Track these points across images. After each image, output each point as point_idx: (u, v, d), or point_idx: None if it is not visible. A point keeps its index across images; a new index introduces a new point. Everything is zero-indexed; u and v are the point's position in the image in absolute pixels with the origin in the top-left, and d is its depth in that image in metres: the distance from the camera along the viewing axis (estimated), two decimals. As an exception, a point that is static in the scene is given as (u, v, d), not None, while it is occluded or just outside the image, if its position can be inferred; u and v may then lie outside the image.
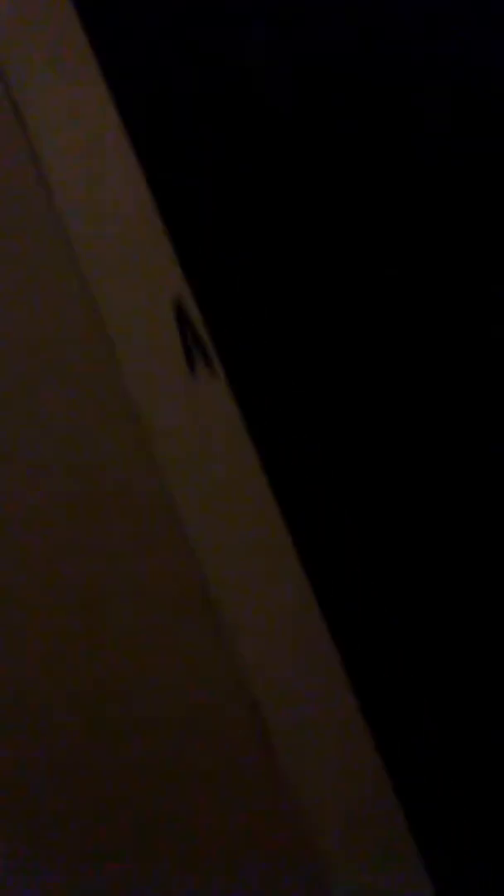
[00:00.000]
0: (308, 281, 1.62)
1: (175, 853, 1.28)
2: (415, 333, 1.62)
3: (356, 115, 1.61)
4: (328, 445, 1.62)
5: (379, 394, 1.62)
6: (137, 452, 1.30)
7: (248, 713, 1.29)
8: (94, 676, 1.29)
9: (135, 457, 1.30)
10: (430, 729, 1.52)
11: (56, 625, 1.28)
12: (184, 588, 1.29)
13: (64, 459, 1.30)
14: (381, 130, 1.61)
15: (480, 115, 1.60)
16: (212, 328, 1.54)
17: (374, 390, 1.62)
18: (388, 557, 1.60)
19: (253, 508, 1.44)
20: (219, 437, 1.44)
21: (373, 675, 1.52)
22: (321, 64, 1.62)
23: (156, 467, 1.31)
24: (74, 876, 1.26)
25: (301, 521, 1.55)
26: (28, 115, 1.34)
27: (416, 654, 1.56)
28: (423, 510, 1.62)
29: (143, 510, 1.31)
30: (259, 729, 1.29)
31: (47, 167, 1.35)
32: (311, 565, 1.52)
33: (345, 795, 1.35)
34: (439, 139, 1.61)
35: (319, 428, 1.62)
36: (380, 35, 1.60)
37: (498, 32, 1.60)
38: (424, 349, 1.62)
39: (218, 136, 1.63)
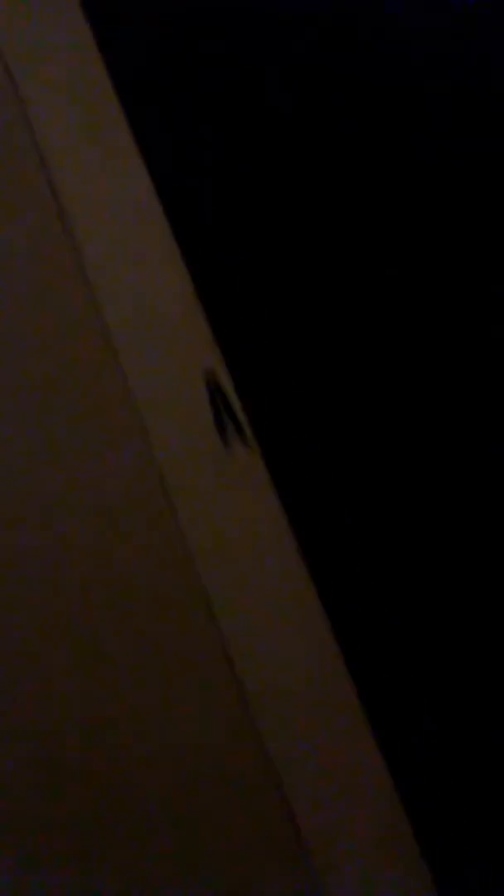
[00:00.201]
0: (307, 279, 1.62)
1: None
2: (415, 334, 1.62)
3: (356, 115, 1.61)
4: (326, 445, 1.62)
5: (379, 394, 1.62)
6: (168, 527, 1.31)
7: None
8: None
9: (166, 532, 1.31)
10: (430, 729, 1.52)
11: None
12: (207, 653, 1.30)
13: (95, 535, 1.30)
14: (381, 130, 1.61)
15: (480, 115, 1.60)
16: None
17: (374, 390, 1.62)
18: (389, 558, 1.60)
19: (284, 579, 1.43)
20: (252, 513, 1.42)
21: (373, 675, 1.52)
22: (321, 64, 1.62)
23: (187, 546, 1.31)
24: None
25: (304, 526, 1.55)
26: (55, 168, 1.36)
27: (416, 654, 1.56)
28: (424, 511, 1.61)
29: (174, 588, 1.31)
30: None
31: (73, 221, 1.36)
32: (311, 567, 1.51)
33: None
34: (439, 139, 1.60)
35: (316, 425, 1.62)
36: (380, 35, 1.60)
37: (498, 32, 1.60)
38: (425, 349, 1.62)
39: (218, 136, 1.62)
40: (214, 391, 1.40)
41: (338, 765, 1.38)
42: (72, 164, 1.43)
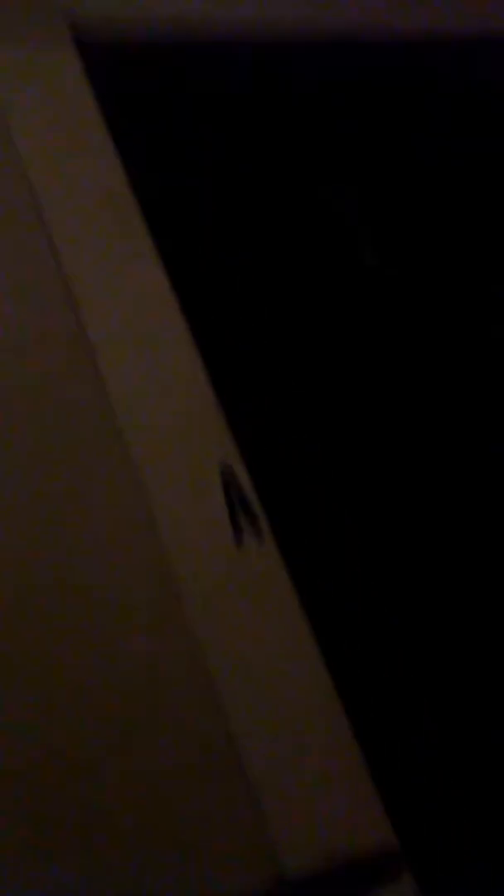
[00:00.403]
0: (304, 278, 1.62)
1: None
2: (415, 334, 1.62)
3: (356, 115, 1.62)
4: (323, 448, 1.62)
5: (379, 393, 1.62)
6: (178, 625, 1.30)
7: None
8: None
9: (176, 630, 1.30)
10: (429, 729, 1.51)
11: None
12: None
13: (104, 633, 1.29)
14: (382, 130, 1.61)
15: (480, 115, 1.61)
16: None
17: (374, 389, 1.61)
18: (389, 557, 1.59)
19: (303, 669, 1.41)
20: (267, 611, 1.40)
21: (372, 675, 1.51)
22: (321, 64, 1.62)
23: (199, 646, 1.30)
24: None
25: (303, 529, 1.54)
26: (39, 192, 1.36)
27: (416, 655, 1.55)
28: (423, 512, 1.61)
29: (187, 688, 1.30)
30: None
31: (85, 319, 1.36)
32: (311, 566, 1.51)
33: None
34: (439, 139, 1.61)
35: (309, 431, 1.62)
36: (380, 35, 1.61)
37: (498, 33, 1.61)
38: (425, 349, 1.62)
39: (218, 136, 1.63)
40: (229, 483, 1.39)
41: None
42: (83, 258, 1.43)
